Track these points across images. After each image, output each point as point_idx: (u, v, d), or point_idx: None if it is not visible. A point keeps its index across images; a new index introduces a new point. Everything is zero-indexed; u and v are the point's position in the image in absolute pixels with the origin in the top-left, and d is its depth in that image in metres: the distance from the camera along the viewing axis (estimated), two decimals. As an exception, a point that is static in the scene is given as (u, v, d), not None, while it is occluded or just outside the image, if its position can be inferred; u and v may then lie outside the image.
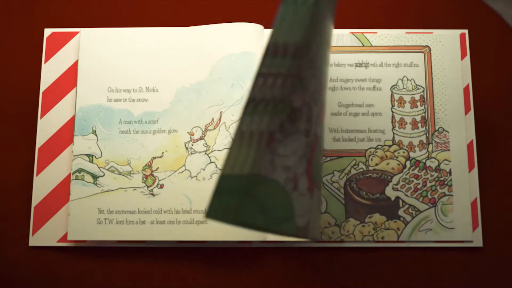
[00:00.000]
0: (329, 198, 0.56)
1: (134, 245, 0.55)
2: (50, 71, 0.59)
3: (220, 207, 0.35)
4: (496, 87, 0.60)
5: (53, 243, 0.55)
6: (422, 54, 0.58)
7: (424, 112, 0.57)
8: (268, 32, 0.59)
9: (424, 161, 0.56)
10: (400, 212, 0.55)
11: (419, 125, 0.57)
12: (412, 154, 0.56)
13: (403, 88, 0.58)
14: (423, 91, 0.57)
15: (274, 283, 0.55)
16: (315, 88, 0.41)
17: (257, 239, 0.53)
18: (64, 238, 0.55)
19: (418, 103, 0.57)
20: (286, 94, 0.38)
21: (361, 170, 0.56)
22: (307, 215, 0.41)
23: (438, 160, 0.56)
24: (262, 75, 0.37)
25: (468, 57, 0.58)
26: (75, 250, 0.56)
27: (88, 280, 0.55)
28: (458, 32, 0.59)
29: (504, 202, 0.57)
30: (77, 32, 0.59)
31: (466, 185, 0.56)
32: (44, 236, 0.55)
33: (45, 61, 0.59)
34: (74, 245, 0.55)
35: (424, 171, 0.56)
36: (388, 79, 0.58)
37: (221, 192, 0.35)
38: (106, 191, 0.55)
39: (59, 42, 0.59)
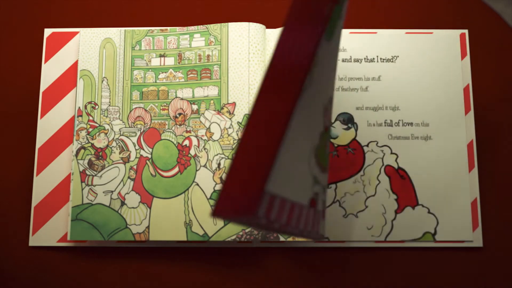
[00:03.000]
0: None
1: (134, 245, 0.55)
2: (50, 71, 0.59)
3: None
4: (496, 87, 0.60)
5: (53, 243, 0.55)
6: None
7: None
8: (269, 32, 0.59)
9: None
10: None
11: None
12: None
13: None
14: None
15: (274, 283, 0.55)
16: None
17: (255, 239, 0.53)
18: (64, 238, 0.55)
19: None
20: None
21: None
22: (145, 222, 0.54)
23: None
24: None
25: (468, 57, 0.58)
26: (75, 250, 0.56)
27: (88, 280, 0.55)
28: (458, 32, 0.59)
29: (504, 202, 0.57)
30: (77, 32, 0.59)
31: (466, 185, 0.56)
32: (44, 236, 0.55)
33: (45, 61, 0.59)
34: (74, 245, 0.55)
35: None
36: None
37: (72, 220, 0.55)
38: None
39: (59, 42, 0.59)
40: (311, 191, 0.39)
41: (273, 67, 0.35)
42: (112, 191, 0.55)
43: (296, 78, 0.35)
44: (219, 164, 0.55)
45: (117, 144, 0.56)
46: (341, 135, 0.57)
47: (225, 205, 0.32)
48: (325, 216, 0.44)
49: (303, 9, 0.37)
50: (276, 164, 0.33)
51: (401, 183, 0.56)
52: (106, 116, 0.57)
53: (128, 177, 0.55)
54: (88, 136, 0.56)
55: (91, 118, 0.56)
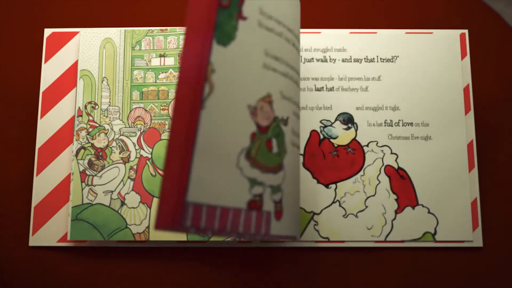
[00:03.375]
0: (329, 198, 0.56)
1: (134, 245, 0.55)
2: (50, 71, 0.59)
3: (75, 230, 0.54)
4: (496, 87, 0.60)
5: (53, 243, 0.55)
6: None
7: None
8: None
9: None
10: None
11: None
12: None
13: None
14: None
15: (274, 283, 0.55)
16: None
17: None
18: (64, 238, 0.55)
19: None
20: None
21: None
22: (145, 222, 0.54)
23: None
24: None
25: (468, 57, 0.58)
26: (75, 250, 0.56)
27: (88, 280, 0.55)
28: (458, 32, 0.59)
29: (504, 202, 0.57)
30: (77, 32, 0.59)
31: (466, 185, 0.56)
32: (44, 236, 0.55)
33: (45, 61, 0.59)
34: (74, 245, 0.55)
35: None
36: None
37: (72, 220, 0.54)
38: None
39: (59, 42, 0.59)
40: (249, 194, 0.40)
41: (179, 78, 0.36)
42: (112, 191, 0.55)
43: (193, 88, 0.36)
44: None
45: (117, 144, 0.56)
46: (341, 135, 0.57)
47: (159, 218, 0.34)
48: (282, 216, 0.44)
49: (192, 17, 0.38)
50: (192, 174, 0.35)
51: (401, 183, 0.56)
52: (106, 116, 0.57)
53: (128, 177, 0.55)
54: (88, 136, 0.56)
55: (91, 118, 0.56)
